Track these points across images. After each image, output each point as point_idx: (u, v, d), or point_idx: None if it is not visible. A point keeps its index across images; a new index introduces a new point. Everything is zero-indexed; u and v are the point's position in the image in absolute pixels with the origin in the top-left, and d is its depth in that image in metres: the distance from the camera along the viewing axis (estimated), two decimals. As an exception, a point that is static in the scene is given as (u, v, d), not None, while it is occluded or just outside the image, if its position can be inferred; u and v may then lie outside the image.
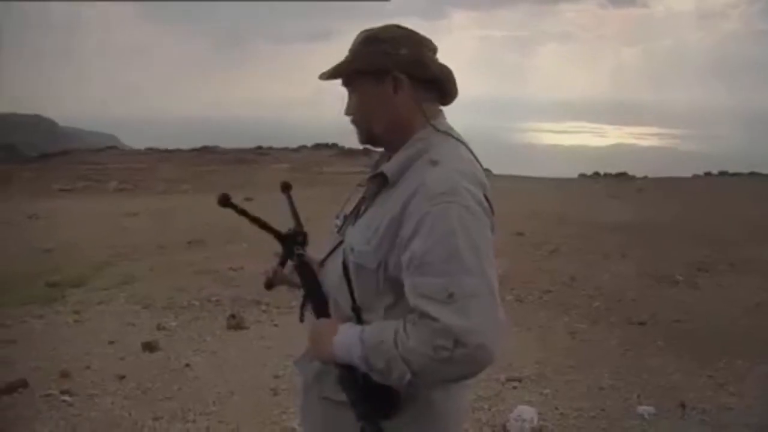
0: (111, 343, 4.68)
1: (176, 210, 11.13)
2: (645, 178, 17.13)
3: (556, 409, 3.61)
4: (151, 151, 21.55)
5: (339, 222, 1.46)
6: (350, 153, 19.92)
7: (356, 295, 1.30)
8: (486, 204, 1.26)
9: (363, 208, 1.37)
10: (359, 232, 1.31)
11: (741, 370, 4.15)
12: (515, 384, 3.91)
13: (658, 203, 12.15)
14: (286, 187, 1.61)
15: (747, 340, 4.71)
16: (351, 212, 1.42)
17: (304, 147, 22.81)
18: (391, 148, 1.35)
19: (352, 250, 1.30)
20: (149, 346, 4.51)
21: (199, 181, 15.69)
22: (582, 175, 18.19)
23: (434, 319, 1.13)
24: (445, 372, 1.15)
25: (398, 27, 1.36)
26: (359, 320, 1.29)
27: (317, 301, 1.39)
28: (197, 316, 5.40)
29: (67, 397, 3.69)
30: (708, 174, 17.49)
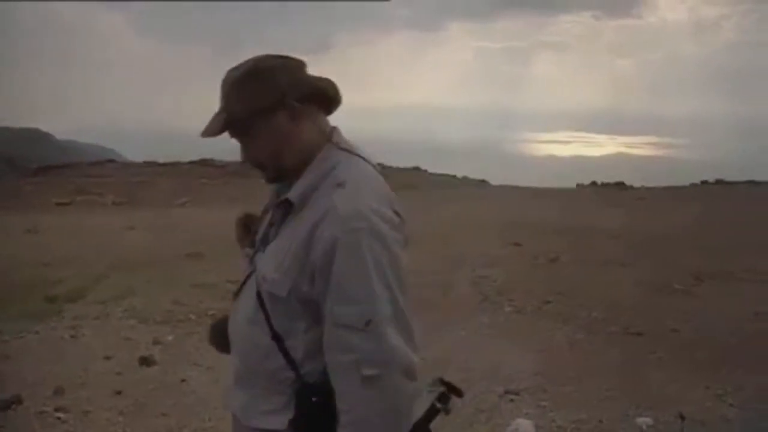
0: (107, 358, 4.65)
1: (174, 223, 11.11)
2: (642, 187, 17.16)
3: (554, 421, 3.60)
4: (149, 165, 21.55)
5: (248, 253, 1.43)
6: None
7: (274, 323, 1.28)
8: (395, 218, 1.26)
9: (271, 234, 1.34)
10: (269, 260, 1.30)
11: (740, 381, 4.14)
12: (513, 396, 3.89)
13: (656, 213, 12.16)
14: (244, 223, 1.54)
15: (746, 350, 4.70)
16: (260, 239, 1.39)
17: (301, 159, 22.81)
18: (299, 175, 1.32)
19: (264, 278, 1.29)
20: (146, 361, 4.49)
21: (197, 195, 15.68)
22: (579, 185, 18.22)
23: (354, 350, 1.16)
24: (382, 402, 1.17)
25: (267, 56, 1.32)
26: (281, 348, 1.28)
27: None
28: (194, 330, 5.37)
29: (61, 414, 3.67)
30: (705, 182, 17.51)
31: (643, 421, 3.54)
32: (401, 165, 19.27)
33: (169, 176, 19.15)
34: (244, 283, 1.40)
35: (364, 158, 1.35)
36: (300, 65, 1.33)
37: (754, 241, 8.75)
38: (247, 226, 1.50)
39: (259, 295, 1.30)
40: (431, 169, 19.78)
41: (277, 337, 1.28)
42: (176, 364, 4.53)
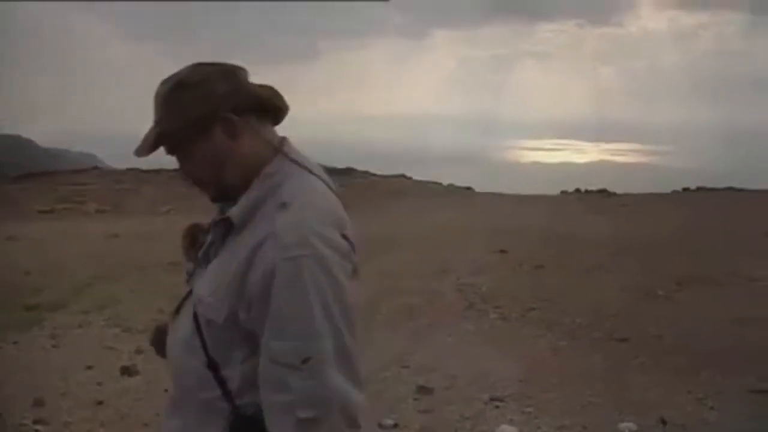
0: (89, 368, 4.59)
1: (157, 231, 11.02)
2: (625, 194, 17.32)
3: (539, 428, 3.62)
4: (132, 172, 21.38)
5: (189, 269, 1.33)
6: (333, 172, 19.93)
7: (210, 350, 1.18)
8: (344, 244, 1.16)
9: (212, 253, 1.25)
10: (207, 282, 1.20)
11: (720, 385, 4.19)
12: (498, 403, 3.91)
13: (639, 219, 12.28)
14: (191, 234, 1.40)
15: (726, 354, 4.76)
16: (201, 257, 1.29)
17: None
18: (245, 191, 1.21)
19: (200, 301, 1.20)
20: (128, 371, 4.44)
21: (180, 202, 15.56)
22: (563, 192, 18.36)
23: (290, 390, 1.06)
24: None
25: (200, 65, 1.22)
26: (217, 377, 1.18)
27: None
28: (178, 338, 5.32)
29: (40, 427, 3.61)
30: (686, 189, 17.73)
31: (626, 426, 3.57)
32: (387, 172, 19.29)
33: (152, 184, 19.02)
34: (184, 299, 1.30)
35: (315, 174, 1.25)
36: (237, 73, 1.22)
37: (734, 246, 8.87)
38: (195, 237, 1.37)
39: (196, 317, 1.20)
40: (417, 177, 19.82)
41: (212, 365, 1.18)
42: (159, 373, 4.47)
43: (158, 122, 1.21)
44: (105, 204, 15.65)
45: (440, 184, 19.50)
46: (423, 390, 4.10)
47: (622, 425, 3.58)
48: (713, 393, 4.05)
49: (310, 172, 1.24)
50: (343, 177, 18.50)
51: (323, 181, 1.26)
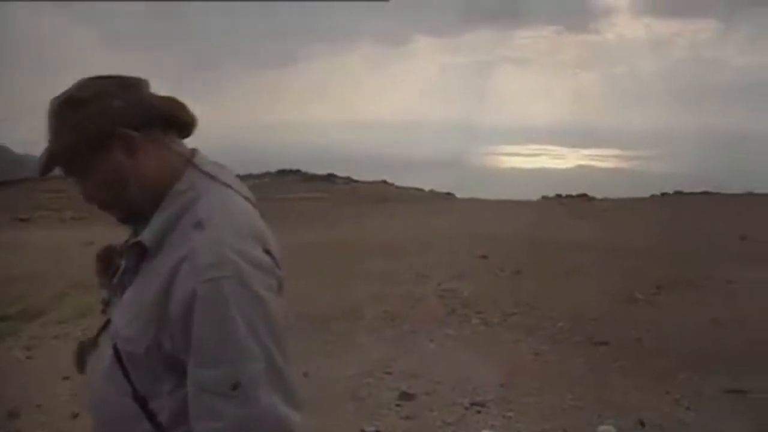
0: (65, 379, 4.50)
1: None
2: (605, 198, 17.52)
3: (520, 432, 3.63)
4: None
5: (105, 295, 1.27)
6: (314, 179, 19.92)
7: (135, 382, 1.12)
8: (267, 260, 1.10)
9: (126, 280, 1.17)
10: (123, 312, 1.14)
11: (696, 386, 4.26)
12: (479, 408, 3.92)
13: (619, 223, 12.42)
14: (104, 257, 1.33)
15: (702, 355, 4.83)
16: (116, 284, 1.21)
17: (267, 173, 22.71)
18: (155, 210, 1.14)
19: (117, 333, 1.14)
20: (106, 381, 4.37)
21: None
22: (544, 197, 18.51)
23: (222, 417, 1.01)
24: None
25: (96, 78, 1.14)
26: (145, 410, 1.12)
27: None
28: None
29: (15, 439, 3.54)
30: (664, 194, 17.99)
31: (606, 429, 3.60)
32: (368, 178, 19.32)
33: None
34: (102, 330, 1.23)
35: (232, 187, 1.18)
36: (137, 85, 1.15)
37: (709, 249, 9.02)
38: (109, 260, 1.28)
39: (116, 348, 1.13)
40: (398, 183, 19.88)
41: (139, 398, 1.11)
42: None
43: (50, 141, 1.13)
44: (81, 211, 15.43)
45: (421, 189, 19.57)
46: (405, 396, 4.10)
47: (601, 428, 3.61)
48: (690, 394, 4.11)
49: (226, 185, 1.17)
50: (325, 183, 18.50)
51: (240, 194, 1.19)
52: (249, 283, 1.04)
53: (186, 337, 1.04)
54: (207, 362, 1.03)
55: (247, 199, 1.20)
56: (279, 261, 1.14)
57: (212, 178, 1.16)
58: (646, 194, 18.48)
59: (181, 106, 1.18)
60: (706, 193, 17.44)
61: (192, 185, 1.13)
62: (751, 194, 16.67)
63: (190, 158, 1.17)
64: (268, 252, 1.11)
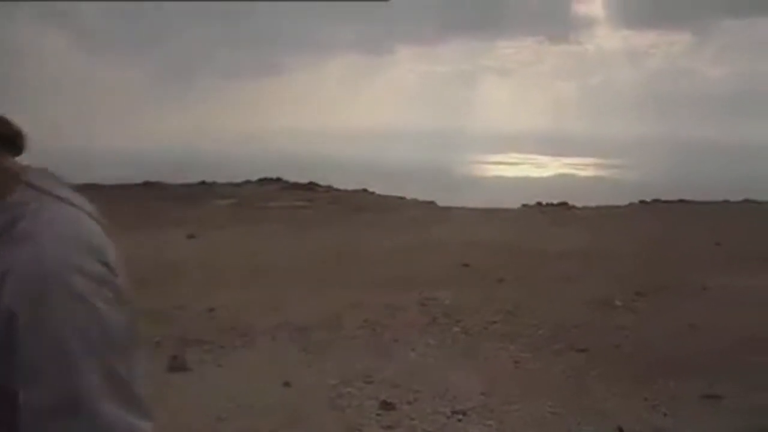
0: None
1: (117, 248, 10.77)
2: (585, 207, 17.72)
3: (501, 439, 3.65)
4: (91, 187, 20.87)
5: None
6: (295, 187, 19.86)
7: None
8: (103, 271, 1.04)
9: None
10: None
11: (673, 391, 4.33)
12: (460, 417, 3.94)
13: (598, 231, 12.56)
14: None
15: (679, 361, 4.91)
16: None
17: (248, 181, 22.61)
18: None
19: None
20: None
21: (141, 218, 15.25)
22: (525, 206, 18.66)
23: None
24: None
25: None
26: None
27: None
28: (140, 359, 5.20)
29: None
30: (642, 202, 18.24)
31: (586, 436, 3.63)
32: (350, 187, 19.28)
33: (112, 199, 18.57)
34: None
35: (68, 201, 1.10)
36: None
37: (685, 256, 9.17)
38: None
39: None
40: (380, 191, 19.89)
41: None
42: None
43: None
44: (60, 221, 15.22)
45: (403, 198, 19.60)
46: (386, 405, 4.10)
47: (582, 435, 3.65)
48: (667, 399, 4.17)
49: (59, 198, 1.09)
50: (306, 191, 18.45)
51: (77, 207, 1.11)
52: (83, 296, 0.98)
53: (11, 361, 0.95)
54: (38, 384, 0.95)
55: (87, 213, 1.12)
56: (117, 272, 1.07)
57: (45, 192, 1.08)
58: (625, 202, 18.72)
59: (6, 123, 1.09)
60: (682, 200, 17.72)
61: (19, 202, 1.06)
62: (726, 202, 16.99)
63: (20, 173, 1.09)
64: (105, 264, 1.05)
